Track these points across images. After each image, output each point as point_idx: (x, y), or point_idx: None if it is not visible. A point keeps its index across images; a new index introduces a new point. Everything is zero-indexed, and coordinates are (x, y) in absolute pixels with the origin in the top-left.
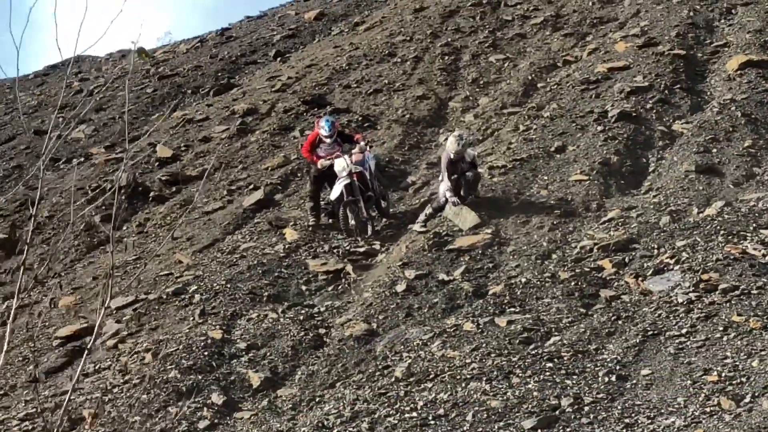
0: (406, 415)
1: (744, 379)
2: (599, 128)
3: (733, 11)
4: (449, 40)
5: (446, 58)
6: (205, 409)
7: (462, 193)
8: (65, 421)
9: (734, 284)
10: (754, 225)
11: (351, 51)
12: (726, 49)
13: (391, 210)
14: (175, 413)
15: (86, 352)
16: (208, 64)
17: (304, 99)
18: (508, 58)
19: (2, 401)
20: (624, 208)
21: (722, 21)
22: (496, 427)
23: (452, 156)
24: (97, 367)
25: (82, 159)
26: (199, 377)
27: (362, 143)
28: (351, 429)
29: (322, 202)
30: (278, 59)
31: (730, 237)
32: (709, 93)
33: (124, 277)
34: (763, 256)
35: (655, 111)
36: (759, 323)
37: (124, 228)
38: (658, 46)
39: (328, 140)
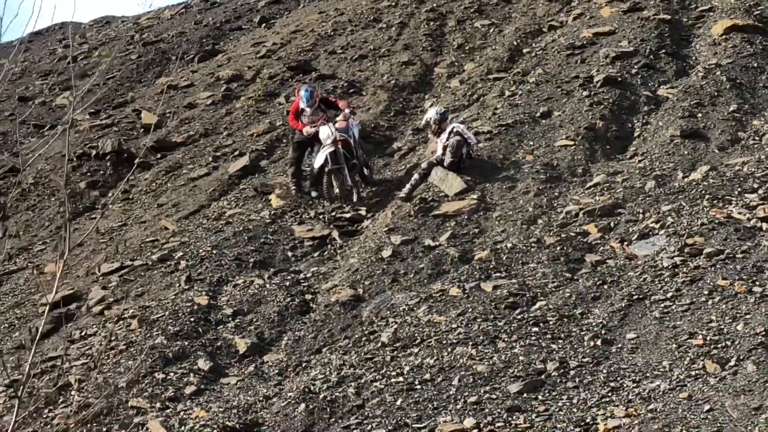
0: (393, 380)
1: (729, 343)
2: (584, 93)
3: None
4: (434, 5)
5: (431, 23)
6: (191, 374)
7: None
8: (53, 387)
9: (719, 248)
10: (738, 189)
11: (336, 17)
12: (711, 13)
13: (375, 177)
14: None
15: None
16: (193, 30)
17: (289, 65)
18: (494, 24)
19: None
20: (610, 173)
21: None
22: (482, 391)
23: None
24: (83, 334)
25: (67, 126)
26: (186, 343)
27: (346, 110)
28: (337, 394)
29: (306, 169)
30: (263, 25)
31: (715, 201)
32: (694, 58)
33: (109, 244)
34: (748, 220)
35: (640, 76)
36: (744, 287)
37: (109, 195)
38: (643, 11)
39: (308, 110)
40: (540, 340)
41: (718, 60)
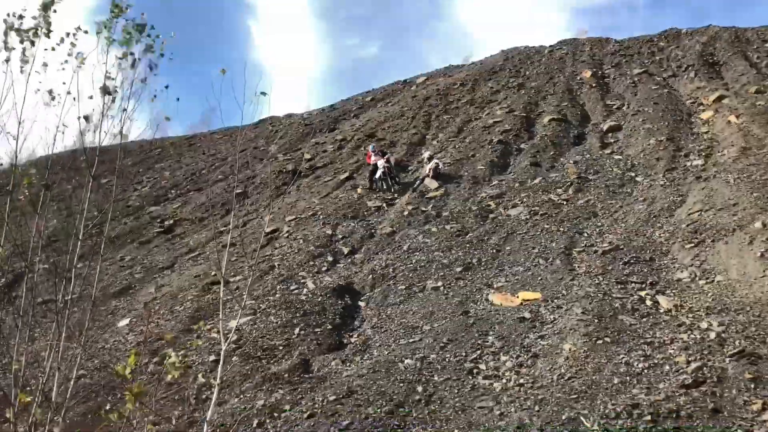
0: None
1: None
2: None
3: None
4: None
5: (425, 116)
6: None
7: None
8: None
9: None
10: None
11: (386, 114)
12: None
13: (400, 183)
14: None
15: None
16: (326, 116)
17: (365, 134)
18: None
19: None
20: None
21: None
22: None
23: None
24: (278, 247)
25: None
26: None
27: (388, 155)
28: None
29: (375, 178)
30: (354, 117)
31: None
32: None
33: (288, 208)
34: None
35: None
36: None
37: (287, 188)
38: None
39: (372, 154)
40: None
41: None
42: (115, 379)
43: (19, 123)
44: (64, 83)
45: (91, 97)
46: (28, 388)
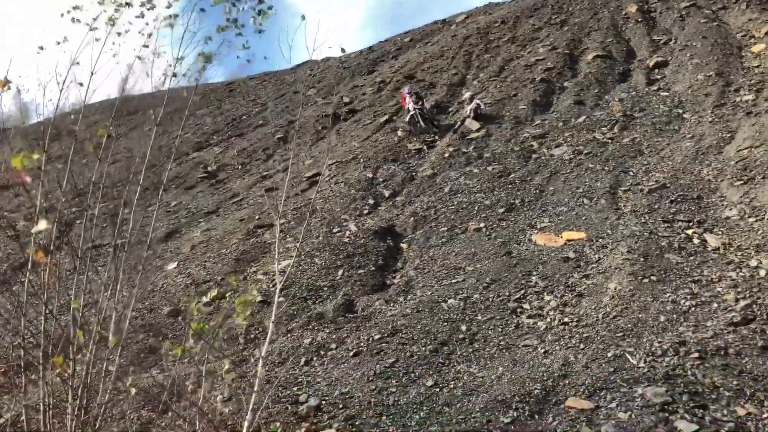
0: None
1: None
2: None
3: None
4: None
5: (465, 56)
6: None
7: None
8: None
9: None
10: None
11: (424, 54)
12: None
13: (439, 124)
14: None
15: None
16: (363, 61)
17: (404, 75)
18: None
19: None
20: None
21: None
22: None
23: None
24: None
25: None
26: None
27: (420, 96)
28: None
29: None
30: (393, 59)
31: None
32: None
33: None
34: None
35: None
36: None
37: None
38: None
39: (408, 96)
40: None
41: None
42: (167, 319)
43: (92, 74)
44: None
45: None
46: (86, 327)
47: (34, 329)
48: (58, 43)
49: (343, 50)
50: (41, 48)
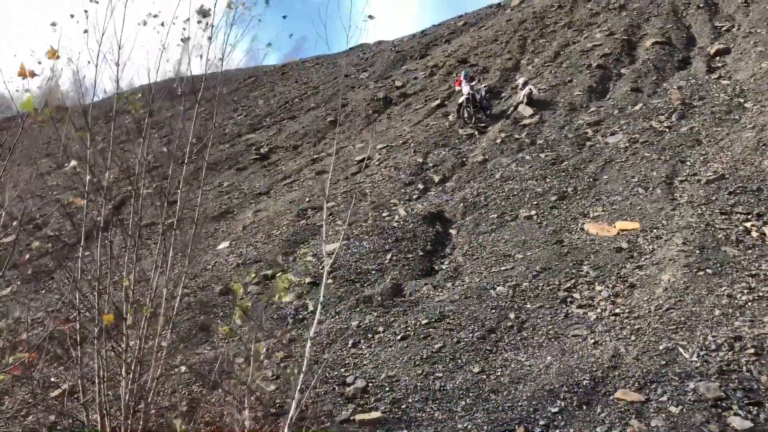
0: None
1: None
2: None
3: None
4: (523, 32)
5: (519, 41)
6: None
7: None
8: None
9: None
10: None
11: (478, 38)
12: None
13: (491, 112)
14: None
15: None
16: (417, 45)
17: (457, 60)
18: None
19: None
20: None
21: None
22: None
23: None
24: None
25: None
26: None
27: (474, 82)
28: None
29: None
30: (446, 42)
31: None
32: None
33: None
34: None
35: None
36: None
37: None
38: None
39: (464, 80)
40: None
41: None
42: (218, 297)
43: (119, 47)
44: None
45: (197, 21)
46: (138, 304)
47: (89, 304)
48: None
49: (371, 17)
50: (54, 25)
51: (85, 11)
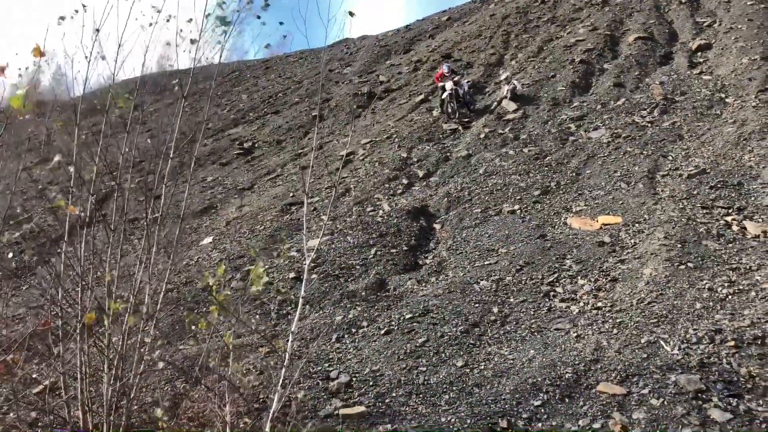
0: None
1: None
2: None
3: None
4: (504, 32)
5: (503, 36)
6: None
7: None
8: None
9: None
10: None
11: (462, 33)
12: None
13: (476, 106)
14: None
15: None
16: (401, 40)
17: (441, 54)
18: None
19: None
20: None
21: None
22: None
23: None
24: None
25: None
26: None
27: (458, 77)
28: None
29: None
30: (433, 38)
31: None
32: None
33: (364, 131)
34: None
35: None
36: None
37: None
38: None
39: (447, 75)
40: None
41: None
42: (201, 293)
43: (119, 46)
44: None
45: (190, 20)
46: (121, 299)
47: (71, 300)
48: (77, 11)
49: (351, 14)
50: (61, 18)
51: (84, 6)
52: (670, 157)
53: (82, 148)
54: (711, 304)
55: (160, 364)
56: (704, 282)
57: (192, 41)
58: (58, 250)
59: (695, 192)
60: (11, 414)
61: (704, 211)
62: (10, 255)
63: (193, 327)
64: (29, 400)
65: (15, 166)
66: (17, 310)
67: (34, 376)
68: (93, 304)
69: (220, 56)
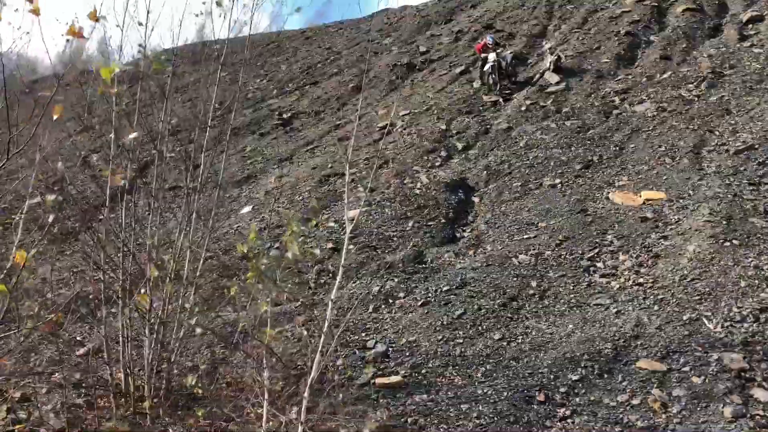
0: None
1: None
2: None
3: None
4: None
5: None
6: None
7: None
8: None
9: None
10: None
11: (505, 3)
12: None
13: (517, 78)
14: None
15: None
16: (442, 9)
17: (483, 25)
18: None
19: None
20: None
21: None
22: None
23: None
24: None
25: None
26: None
27: (500, 49)
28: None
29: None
30: (471, 7)
31: None
32: None
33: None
34: None
35: None
36: None
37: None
38: None
39: (490, 46)
40: None
41: None
42: (239, 261)
43: (147, 12)
44: None
45: None
46: (161, 265)
47: (114, 265)
48: None
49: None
50: None
51: None
52: (717, 132)
53: (123, 116)
54: (756, 282)
55: (198, 330)
56: (750, 260)
57: (218, 3)
58: (101, 217)
59: (742, 168)
60: (56, 374)
61: (751, 188)
62: (51, 218)
63: (231, 293)
64: (74, 361)
65: (61, 133)
66: (62, 274)
67: (78, 338)
68: (134, 269)
69: (251, 17)
